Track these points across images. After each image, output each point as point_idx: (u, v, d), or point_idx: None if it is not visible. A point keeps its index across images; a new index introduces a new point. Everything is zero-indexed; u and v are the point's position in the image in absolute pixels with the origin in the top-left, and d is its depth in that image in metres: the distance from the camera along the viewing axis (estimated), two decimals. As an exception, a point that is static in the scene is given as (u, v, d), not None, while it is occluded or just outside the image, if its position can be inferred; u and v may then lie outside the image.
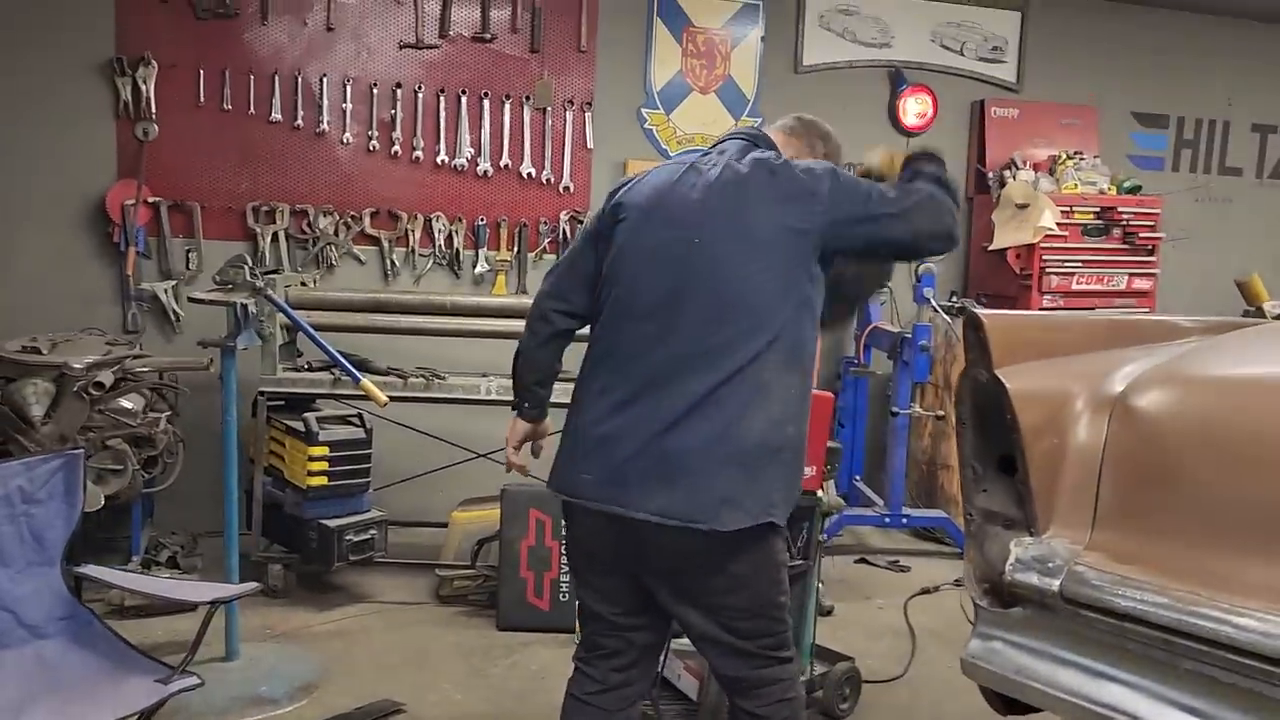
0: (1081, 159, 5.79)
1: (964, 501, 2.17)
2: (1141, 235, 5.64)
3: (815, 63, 5.63)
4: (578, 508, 2.26)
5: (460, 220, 5.09)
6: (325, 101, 4.88)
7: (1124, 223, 5.61)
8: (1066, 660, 1.95)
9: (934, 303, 4.87)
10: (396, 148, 4.98)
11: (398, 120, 4.97)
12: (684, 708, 3.12)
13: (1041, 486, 2.03)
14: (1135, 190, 5.79)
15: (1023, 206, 5.46)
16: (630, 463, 2.14)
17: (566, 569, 3.96)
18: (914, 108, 5.80)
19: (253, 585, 2.84)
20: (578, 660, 2.36)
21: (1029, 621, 2.02)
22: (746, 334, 2.11)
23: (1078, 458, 2.03)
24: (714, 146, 2.39)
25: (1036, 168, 5.74)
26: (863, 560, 5.01)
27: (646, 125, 5.40)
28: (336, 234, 4.94)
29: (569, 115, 5.20)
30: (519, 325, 4.23)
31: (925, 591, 4.62)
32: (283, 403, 4.25)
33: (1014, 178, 5.63)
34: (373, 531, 4.11)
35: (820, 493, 3.26)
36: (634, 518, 2.10)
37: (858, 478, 5.49)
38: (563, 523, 2.46)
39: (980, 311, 2.04)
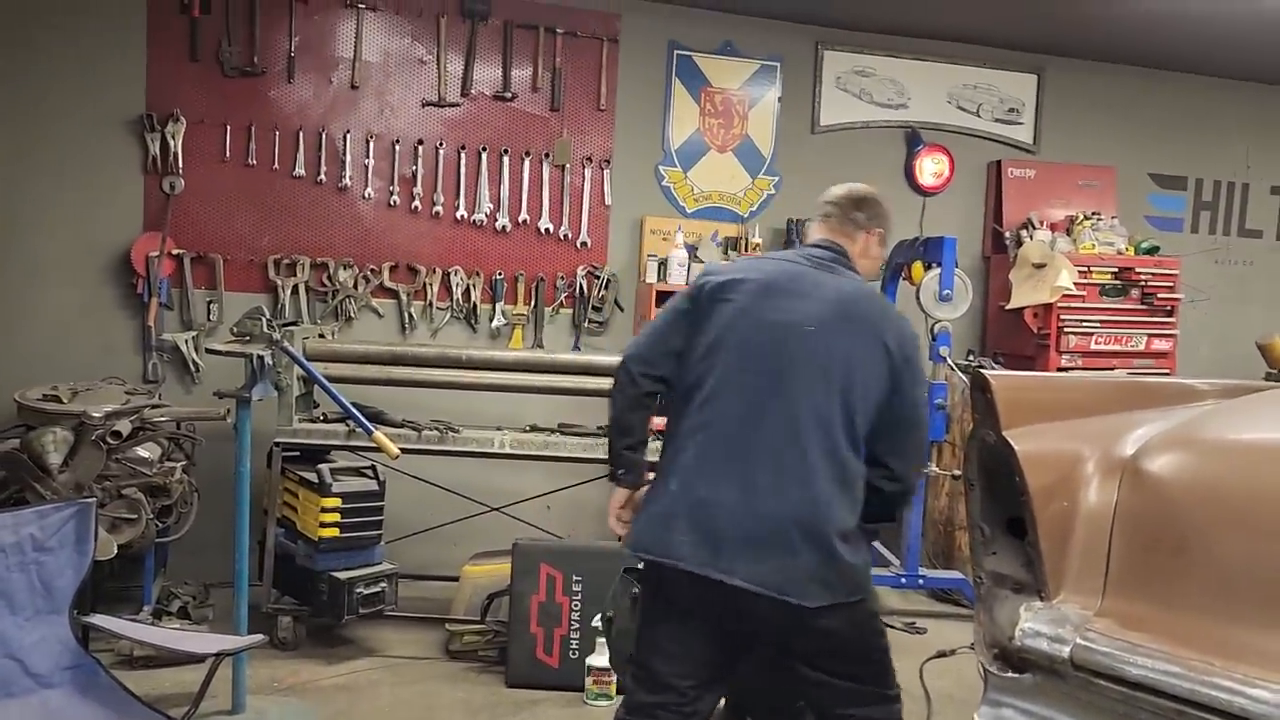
0: (1099, 220, 5.79)
1: (973, 564, 2.15)
2: (1160, 296, 5.61)
3: (832, 123, 5.69)
4: (670, 571, 2.36)
5: (478, 274, 5.14)
6: (348, 157, 4.97)
7: (1142, 283, 5.59)
8: (1080, 730, 1.91)
9: (950, 361, 4.86)
10: (417, 203, 5.05)
11: (419, 176, 5.05)
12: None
13: (1051, 550, 2.00)
14: (1153, 251, 5.78)
15: (1040, 266, 5.46)
16: (726, 530, 2.29)
17: (577, 626, 3.93)
18: (930, 168, 5.84)
19: (258, 638, 2.84)
20: None
21: (1039, 688, 1.98)
22: (841, 425, 2.32)
23: (1088, 521, 2.00)
24: (805, 253, 2.63)
25: (1053, 228, 5.75)
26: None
27: (664, 183, 5.46)
28: (356, 287, 5.00)
29: (587, 172, 5.27)
30: (534, 379, 4.33)
31: (941, 654, 4.54)
32: (298, 454, 4.27)
33: (1031, 237, 5.63)
34: (383, 584, 4.10)
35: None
36: (730, 584, 2.25)
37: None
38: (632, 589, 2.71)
39: (988, 373, 2.03)
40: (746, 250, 5.35)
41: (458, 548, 4.75)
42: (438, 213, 5.09)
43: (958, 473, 5.11)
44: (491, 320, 5.17)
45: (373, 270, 5.02)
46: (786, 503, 2.26)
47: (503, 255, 5.18)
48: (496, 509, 4.71)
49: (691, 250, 5.25)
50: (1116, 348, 5.55)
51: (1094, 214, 5.83)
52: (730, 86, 5.51)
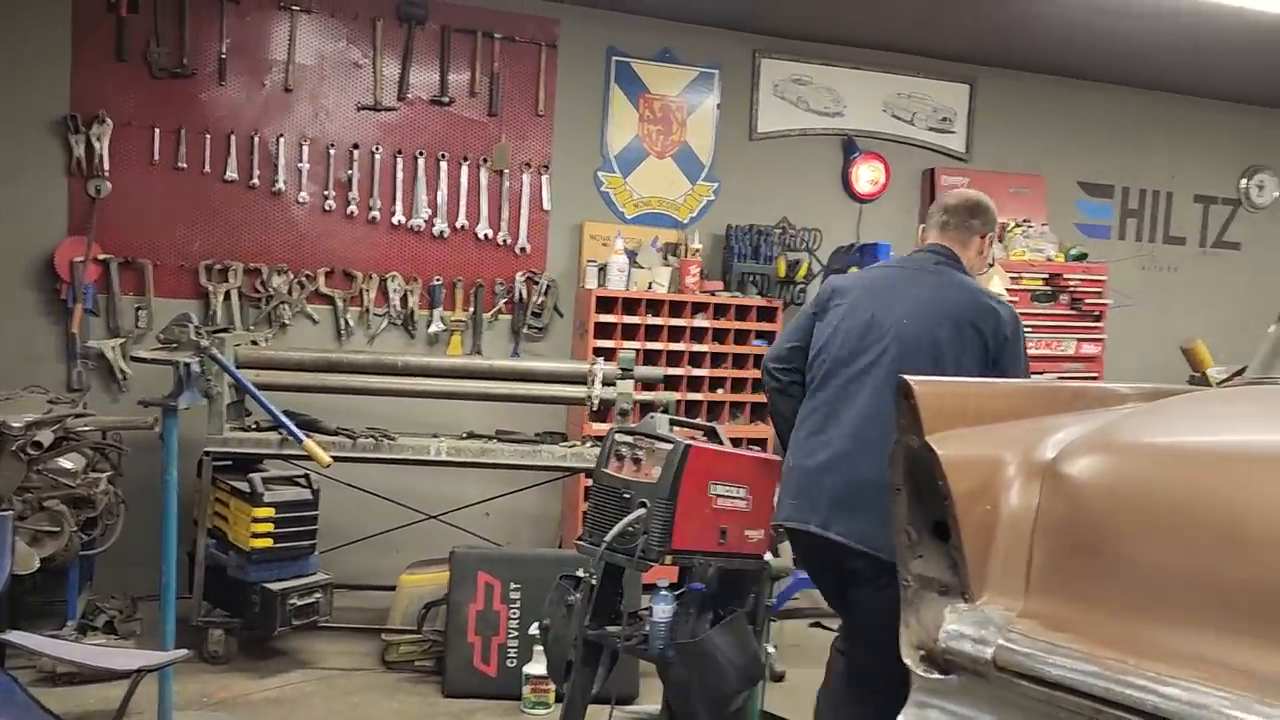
0: (1030, 227, 5.92)
1: (900, 568, 2.17)
2: (1088, 301, 5.75)
3: (770, 130, 5.74)
4: (789, 530, 2.98)
5: (416, 280, 5.10)
6: (281, 161, 4.90)
7: (1071, 289, 5.73)
8: (1003, 730, 1.94)
9: (885, 366, 4.91)
10: (353, 208, 5.00)
11: (354, 181, 4.99)
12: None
13: (975, 553, 2.03)
14: (1081, 258, 5.92)
15: (973, 272, 5.55)
16: (822, 493, 2.83)
17: (515, 634, 3.91)
18: (866, 175, 5.92)
19: (183, 653, 2.77)
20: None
21: (963, 689, 2.00)
22: None
23: (1010, 524, 2.03)
24: (912, 258, 3.07)
25: (986, 234, 5.85)
26: (817, 624, 4.98)
27: (603, 188, 5.46)
28: (290, 293, 4.92)
29: (526, 178, 5.25)
30: (472, 386, 4.30)
31: (878, 656, 4.59)
32: (229, 463, 4.19)
33: (964, 244, 5.72)
34: (318, 595, 4.04)
35: (768, 556, 3.26)
36: (826, 537, 2.79)
37: (812, 540, 5.47)
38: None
39: (911, 378, 2.06)
40: (686, 255, 5.37)
41: (394, 556, 4.69)
42: (374, 218, 5.03)
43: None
44: (429, 326, 5.13)
45: (308, 276, 4.95)
46: (870, 468, 2.52)
47: (441, 261, 5.14)
48: (434, 517, 4.66)
49: (631, 256, 5.26)
50: (1047, 352, 5.67)
51: (1025, 221, 5.96)
52: (669, 93, 5.53)
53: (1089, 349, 5.76)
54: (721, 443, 3.28)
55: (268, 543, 3.94)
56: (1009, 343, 2.84)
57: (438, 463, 4.19)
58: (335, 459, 3.44)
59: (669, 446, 2.98)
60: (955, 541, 2.04)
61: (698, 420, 3.87)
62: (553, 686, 3.80)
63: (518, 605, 3.94)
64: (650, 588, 3.00)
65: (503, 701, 3.84)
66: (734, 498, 3.08)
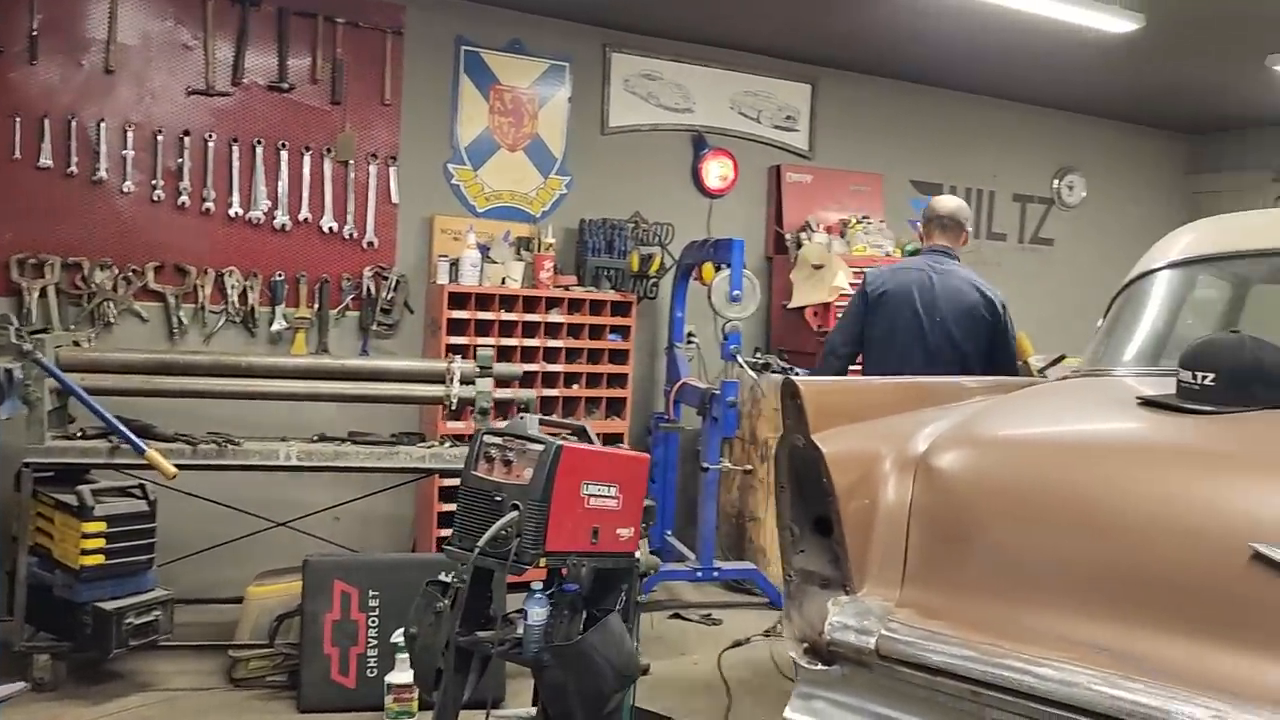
0: (869, 223, 6.16)
1: (783, 563, 2.21)
2: (926, 294, 6.01)
3: (621, 124, 5.75)
4: None
5: (256, 276, 4.84)
6: (103, 148, 4.55)
7: (908, 283, 5.96)
8: (883, 715, 2.01)
9: (741, 360, 5.02)
10: (185, 198, 4.70)
11: (186, 169, 4.69)
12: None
13: (855, 546, 2.09)
14: (916, 252, 6.17)
15: (818, 267, 5.74)
16: None
17: (374, 643, 3.78)
18: (716, 170, 6.02)
19: (19, 686, 2.54)
20: None
21: (847, 679, 2.07)
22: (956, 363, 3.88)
23: (887, 517, 2.11)
24: (930, 258, 4.11)
25: (829, 230, 6.06)
26: (676, 615, 5.04)
27: (454, 181, 5.34)
28: (115, 289, 4.59)
29: (373, 169, 5.07)
30: (324, 386, 4.11)
31: (737, 644, 4.69)
32: (52, 474, 3.86)
33: (810, 239, 5.92)
34: (157, 612, 3.78)
35: (637, 552, 3.27)
36: None
37: (669, 533, 5.54)
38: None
39: (798, 379, 2.10)
40: (539, 250, 5.32)
41: (239, 568, 4.46)
42: (208, 209, 4.75)
43: (749, 467, 5.31)
44: (271, 324, 4.89)
45: (135, 271, 4.63)
46: None
47: (283, 255, 4.91)
48: (281, 524, 4.45)
49: (484, 250, 5.16)
50: (887, 343, 5.89)
51: (864, 217, 6.19)
52: (520, 85, 5.45)
53: (924, 340, 6.02)
54: (591, 441, 3.27)
55: (99, 559, 3.66)
56: (1002, 319, 3.99)
57: (289, 468, 3.99)
58: (178, 467, 3.23)
59: (540, 447, 2.94)
60: (837, 536, 2.10)
61: (566, 420, 3.84)
62: (416, 695, 3.69)
63: (377, 613, 3.81)
64: (516, 589, 2.96)
65: (364, 714, 3.70)
66: (605, 497, 3.07)
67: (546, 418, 3.27)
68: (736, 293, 4.92)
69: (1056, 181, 7.43)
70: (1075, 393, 2.57)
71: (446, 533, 4.98)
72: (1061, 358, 5.99)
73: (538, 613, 2.93)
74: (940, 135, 6.84)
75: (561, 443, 2.94)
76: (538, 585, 2.96)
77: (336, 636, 3.76)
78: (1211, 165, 7.93)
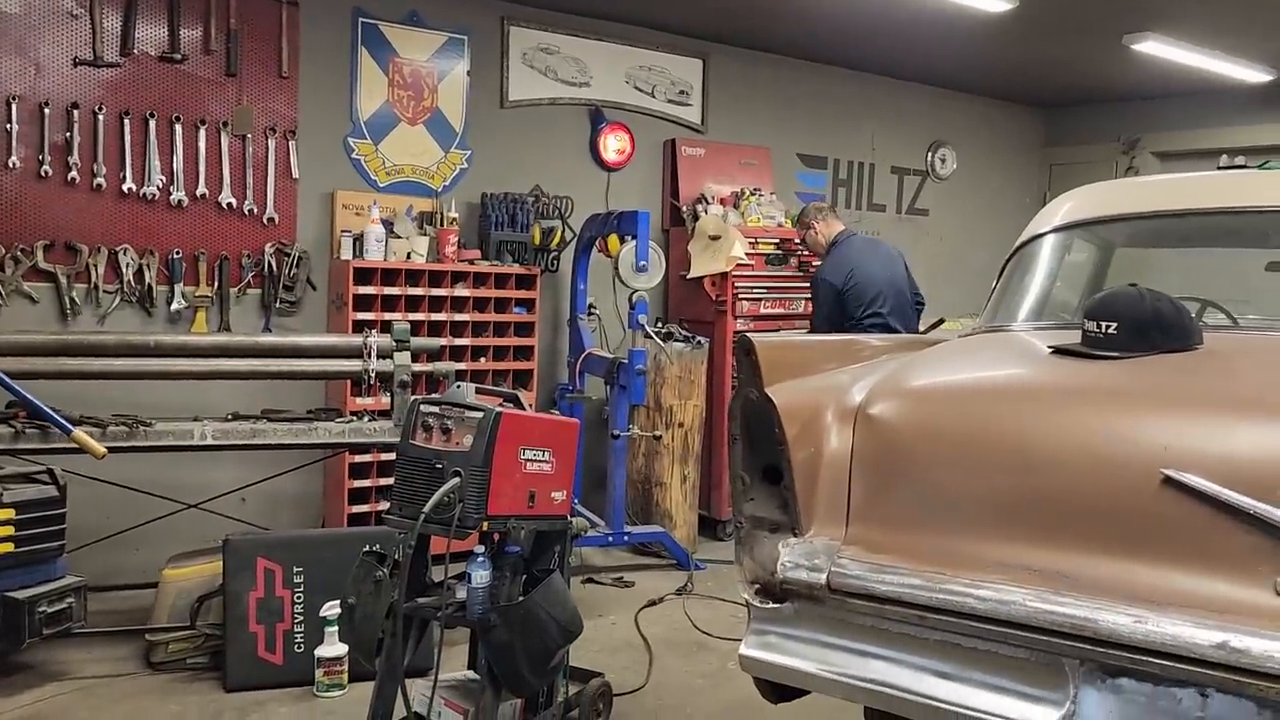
0: (761, 195, 6.36)
1: (733, 510, 2.35)
2: (813, 264, 6.26)
3: (520, 98, 5.78)
4: None
5: (152, 254, 4.70)
6: (-15, 122, 4.33)
7: (798, 253, 6.21)
8: (834, 645, 2.18)
9: (647, 328, 5.15)
10: (74, 174, 4.51)
11: (75, 144, 4.51)
12: (449, 744, 3.08)
13: (803, 491, 2.25)
14: (834, 243, 6.42)
15: (715, 238, 5.91)
16: None
17: (300, 618, 3.78)
18: (613, 144, 6.11)
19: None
20: None
21: (799, 614, 2.23)
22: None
23: (831, 464, 2.27)
24: (859, 238, 5.79)
25: (723, 202, 6.24)
26: (590, 580, 5.17)
27: (354, 155, 5.28)
28: (2, 269, 4.38)
29: (271, 143, 4.97)
30: (236, 364, 4.05)
31: (652, 604, 4.85)
32: (-55, 463, 3.71)
33: (706, 211, 6.08)
34: (70, 600, 3.69)
35: (570, 516, 3.38)
36: None
37: (576, 501, 5.64)
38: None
39: (753, 336, 2.24)
40: (442, 224, 5.32)
41: (146, 552, 4.38)
42: (99, 185, 4.57)
43: (658, 433, 5.46)
44: (170, 303, 4.75)
45: (23, 250, 4.43)
46: None
47: (180, 232, 4.77)
48: (191, 506, 4.36)
49: (388, 226, 5.13)
50: (781, 311, 6.14)
51: (756, 190, 6.39)
52: (419, 58, 5.42)
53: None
54: (524, 409, 3.35)
55: (8, 547, 3.55)
56: (908, 272, 5.64)
57: (205, 448, 3.92)
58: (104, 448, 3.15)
59: (479, 414, 3.01)
60: (787, 482, 2.25)
61: (499, 388, 3.89)
62: (346, 668, 3.72)
63: (302, 589, 3.80)
64: (439, 559, 3.00)
65: (294, 689, 3.71)
66: (540, 461, 3.17)
67: (483, 386, 3.34)
68: (643, 263, 5.04)
69: (930, 154, 7.81)
70: (988, 346, 2.79)
71: (359, 509, 5.04)
72: (940, 322, 6.38)
73: (481, 575, 3.00)
74: (824, 110, 7.11)
75: (500, 409, 3.02)
76: (479, 549, 3.03)
77: (261, 614, 3.75)
78: (1066, 138, 8.47)
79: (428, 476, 2.98)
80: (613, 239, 5.22)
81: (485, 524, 2.96)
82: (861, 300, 5.32)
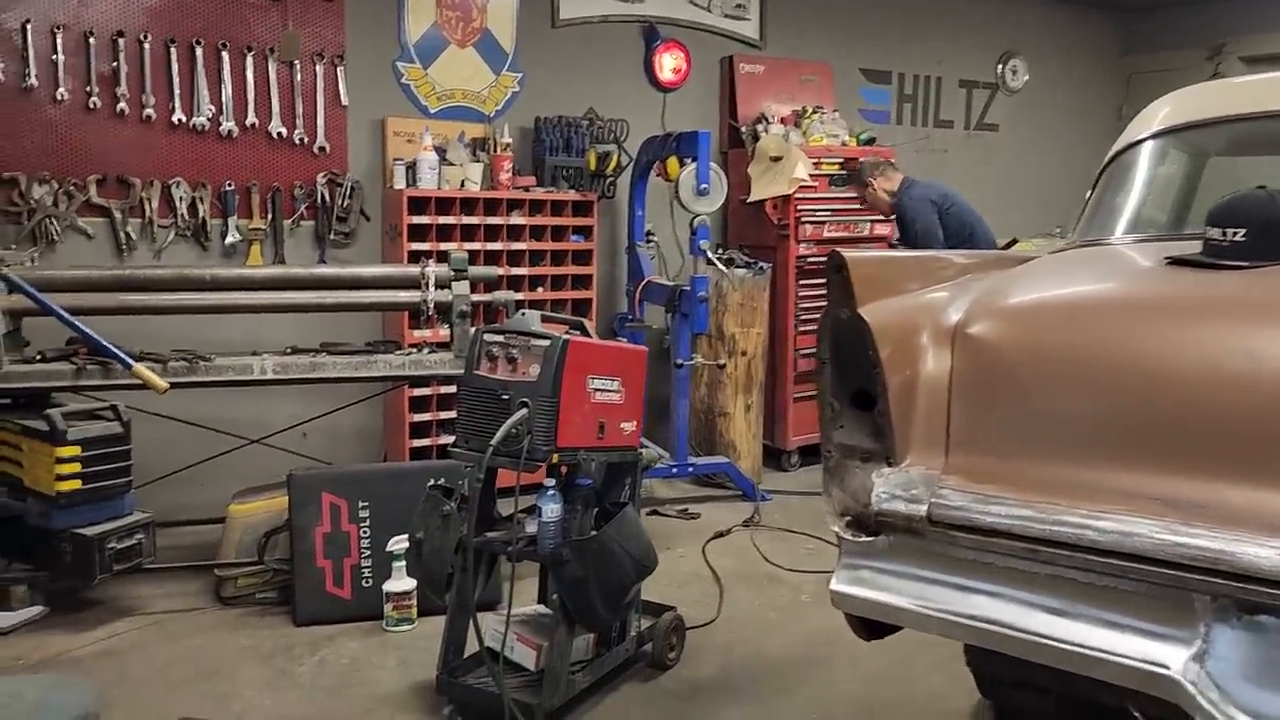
0: (823, 113, 6.10)
1: (822, 438, 2.21)
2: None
3: (572, 16, 5.56)
4: None
5: (204, 186, 4.61)
6: (31, 53, 4.23)
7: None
8: (933, 580, 2.04)
9: (709, 254, 4.98)
10: (123, 105, 4.42)
11: (122, 74, 4.40)
12: (523, 679, 3.03)
13: (898, 418, 2.10)
14: (871, 142, 6.18)
15: (777, 159, 5.68)
16: None
17: (368, 553, 3.74)
18: (669, 63, 5.87)
19: (36, 610, 2.44)
20: None
21: (895, 548, 2.09)
22: None
23: (928, 388, 2.11)
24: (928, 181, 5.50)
25: (784, 121, 5.99)
26: (654, 512, 5.08)
27: (404, 80, 5.12)
28: (56, 205, 4.33)
29: (319, 70, 4.83)
30: (293, 297, 3.97)
31: (719, 535, 4.76)
32: (9, 401, 3.69)
33: (766, 131, 5.84)
34: (139, 536, 3.68)
35: (640, 446, 3.27)
36: None
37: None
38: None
39: (844, 252, 2.07)
40: (495, 150, 5.16)
41: (211, 488, 4.36)
42: (149, 116, 4.48)
43: (722, 362, 5.32)
44: (225, 237, 4.68)
45: (76, 185, 4.36)
46: None
47: (231, 164, 4.67)
48: (256, 441, 4.33)
49: (441, 152, 4.99)
50: (845, 235, 5.92)
51: (818, 108, 6.13)
52: (466, -24, 5.21)
53: (881, 230, 6.05)
54: (590, 336, 3.23)
55: (76, 484, 3.53)
56: None
57: (265, 381, 3.86)
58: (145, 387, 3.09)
59: (546, 343, 2.89)
60: (882, 408, 2.10)
61: (564, 315, 3.76)
62: (414, 602, 3.68)
63: (367, 524, 3.75)
64: (507, 491, 2.91)
65: (362, 624, 3.68)
66: (609, 391, 3.06)
67: (549, 314, 3.21)
68: (704, 186, 4.85)
69: (1000, 66, 7.45)
70: (1093, 260, 2.59)
71: (420, 444, 4.99)
72: (1013, 242, 6.11)
73: (552, 509, 2.91)
74: (887, 21, 6.78)
75: (567, 337, 2.90)
76: (549, 482, 2.94)
77: (328, 549, 3.71)
78: (1146, 45, 8.02)
79: (494, 408, 2.89)
80: (672, 162, 5.03)
81: (555, 456, 2.86)
82: (965, 222, 5.17)
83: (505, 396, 2.86)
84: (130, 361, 2.89)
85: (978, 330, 2.12)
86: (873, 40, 6.73)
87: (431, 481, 3.32)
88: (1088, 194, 3.26)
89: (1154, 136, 3.21)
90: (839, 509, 2.19)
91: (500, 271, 4.42)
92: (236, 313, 3.93)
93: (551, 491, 2.92)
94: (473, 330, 3.15)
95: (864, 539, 2.13)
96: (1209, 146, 3.44)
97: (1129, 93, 8.17)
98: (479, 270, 4.15)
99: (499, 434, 2.77)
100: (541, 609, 3.32)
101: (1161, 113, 3.31)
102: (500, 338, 2.96)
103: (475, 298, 4.05)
